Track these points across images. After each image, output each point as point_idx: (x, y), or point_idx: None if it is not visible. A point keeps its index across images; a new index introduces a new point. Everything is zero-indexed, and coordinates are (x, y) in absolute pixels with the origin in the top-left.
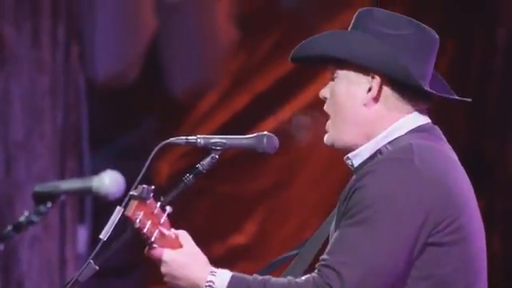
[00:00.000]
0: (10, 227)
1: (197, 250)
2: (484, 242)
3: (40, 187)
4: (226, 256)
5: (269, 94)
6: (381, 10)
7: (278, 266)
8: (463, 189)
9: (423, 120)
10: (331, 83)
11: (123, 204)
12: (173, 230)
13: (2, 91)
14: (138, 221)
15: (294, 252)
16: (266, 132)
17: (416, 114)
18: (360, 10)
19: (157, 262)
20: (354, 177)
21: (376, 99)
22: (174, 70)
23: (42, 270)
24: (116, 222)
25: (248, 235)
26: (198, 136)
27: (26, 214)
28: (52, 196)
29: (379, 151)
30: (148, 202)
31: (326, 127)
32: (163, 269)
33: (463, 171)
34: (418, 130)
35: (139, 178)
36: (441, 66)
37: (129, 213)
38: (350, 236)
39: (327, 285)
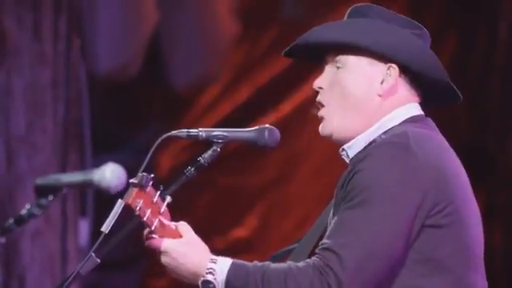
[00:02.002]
0: (11, 220)
1: (197, 238)
2: (481, 231)
3: (41, 180)
4: (227, 249)
5: (270, 88)
6: (379, 6)
7: (279, 259)
8: (459, 175)
9: (416, 111)
10: (328, 73)
11: (125, 196)
12: (172, 222)
13: (4, 84)
14: (138, 208)
15: (295, 246)
16: (267, 125)
17: (410, 104)
18: (356, 5)
19: (156, 252)
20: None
21: (392, 90)
22: (176, 63)
23: (44, 263)
24: (117, 214)
25: (249, 228)
26: (200, 129)
27: (28, 206)
28: (53, 189)
29: (374, 141)
30: (147, 189)
31: (322, 115)
32: (163, 258)
33: (458, 160)
34: (412, 120)
35: (141, 171)
36: (442, 60)
37: (128, 200)
38: (349, 218)
39: (327, 266)
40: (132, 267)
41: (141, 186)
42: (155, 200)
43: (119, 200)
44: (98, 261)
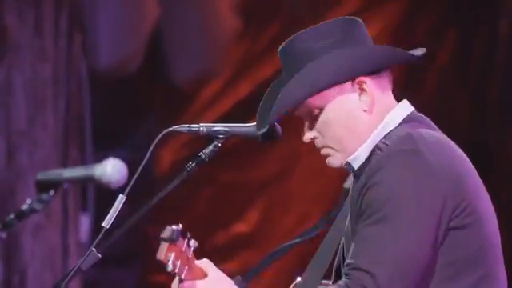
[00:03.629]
0: (12, 215)
1: (221, 275)
2: (496, 221)
3: (42, 175)
4: (228, 244)
5: (271, 83)
6: (301, 34)
7: (279, 255)
8: (470, 172)
9: (409, 109)
10: (310, 123)
11: (125, 192)
12: (196, 261)
13: (5, 80)
14: (169, 263)
15: (296, 241)
16: None
17: (401, 104)
18: (281, 47)
19: None
20: (353, 179)
21: (373, 100)
22: (177, 58)
23: (45, 257)
24: (118, 210)
25: (250, 223)
26: (201, 124)
27: (29, 202)
28: (54, 184)
29: (377, 147)
30: (177, 242)
31: (325, 154)
32: None
33: (462, 153)
34: (409, 119)
35: (142, 166)
36: (442, 57)
37: (160, 256)
38: (373, 235)
39: (361, 286)
40: (132, 263)
41: (171, 241)
42: (183, 249)
43: (120, 195)
44: (99, 256)
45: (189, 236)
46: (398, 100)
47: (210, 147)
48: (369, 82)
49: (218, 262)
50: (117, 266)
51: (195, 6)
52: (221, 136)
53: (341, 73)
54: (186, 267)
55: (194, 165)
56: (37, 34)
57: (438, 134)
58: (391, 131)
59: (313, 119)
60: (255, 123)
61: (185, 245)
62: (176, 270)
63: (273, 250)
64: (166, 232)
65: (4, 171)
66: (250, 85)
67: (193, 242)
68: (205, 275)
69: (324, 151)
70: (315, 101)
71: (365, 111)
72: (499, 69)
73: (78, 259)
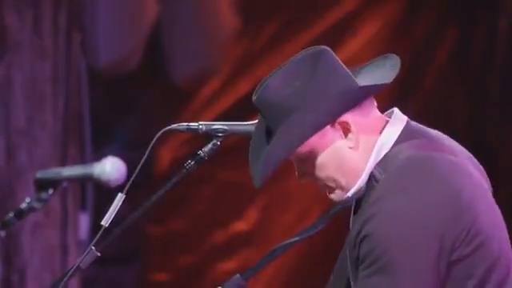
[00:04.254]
0: (11, 214)
1: None
2: (505, 229)
3: (42, 174)
4: (228, 242)
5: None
6: (270, 81)
7: (279, 253)
8: (471, 187)
9: (401, 123)
10: (301, 167)
11: (124, 190)
12: None
13: (4, 78)
14: None
15: (295, 239)
16: None
17: (391, 122)
18: (254, 97)
19: None
20: (353, 212)
21: (357, 135)
22: (176, 56)
23: (44, 256)
24: (117, 208)
25: (250, 222)
26: (200, 122)
27: (28, 200)
28: (54, 182)
29: (372, 176)
30: None
31: (328, 191)
32: None
33: (467, 156)
34: (404, 137)
35: (141, 165)
36: (442, 55)
37: None
38: (373, 286)
39: None
40: (131, 261)
41: None
42: None
43: (119, 194)
44: (98, 254)
45: None
46: (392, 105)
47: (210, 145)
48: (349, 119)
49: (217, 261)
50: (116, 265)
51: (194, 3)
52: (220, 134)
53: (318, 122)
54: None
55: (193, 163)
56: (36, 32)
57: (435, 149)
58: (387, 155)
59: (303, 164)
60: (254, 124)
61: None
62: None
63: (272, 248)
64: None
65: (3, 169)
66: (249, 83)
67: None
68: None
69: (323, 189)
70: (300, 150)
71: (351, 148)
72: (499, 68)
73: (77, 258)
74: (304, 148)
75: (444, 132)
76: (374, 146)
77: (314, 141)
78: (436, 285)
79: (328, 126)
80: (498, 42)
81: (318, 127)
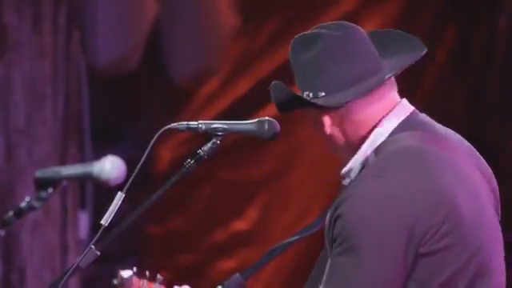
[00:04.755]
0: (11, 213)
1: None
2: (497, 233)
3: (41, 173)
4: (227, 241)
5: (270, 80)
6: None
7: (278, 252)
8: (456, 186)
9: (405, 113)
10: (309, 119)
11: (124, 189)
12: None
13: (3, 77)
14: None
15: (295, 238)
16: (267, 117)
17: (395, 110)
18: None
19: None
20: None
21: (359, 118)
22: (176, 55)
23: (44, 255)
24: (117, 207)
25: (250, 221)
26: (200, 121)
27: (27, 199)
28: (53, 182)
29: (366, 161)
30: (132, 285)
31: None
32: None
33: (473, 157)
34: (401, 128)
35: (140, 164)
36: (442, 52)
37: None
38: (339, 266)
39: None
40: (131, 260)
41: (121, 285)
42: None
43: (119, 192)
44: (98, 253)
45: (148, 274)
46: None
47: (209, 144)
48: (359, 103)
49: (217, 260)
50: (115, 264)
51: (194, 3)
52: (220, 133)
53: (327, 103)
54: None
55: (192, 162)
56: (35, 31)
57: (429, 143)
58: (382, 144)
59: (311, 121)
60: (253, 123)
61: (144, 283)
62: None
63: (272, 247)
64: (117, 279)
65: (3, 168)
66: (248, 82)
67: (159, 277)
68: None
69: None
70: (308, 110)
71: (351, 127)
72: (498, 67)
73: (76, 257)
74: (312, 110)
75: None
76: (372, 130)
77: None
78: (401, 273)
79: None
80: (497, 42)
81: (328, 104)
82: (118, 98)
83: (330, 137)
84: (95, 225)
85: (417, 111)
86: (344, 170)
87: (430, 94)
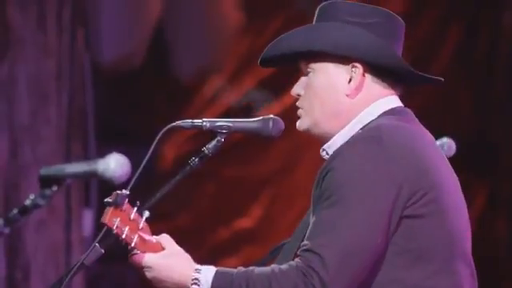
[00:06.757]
0: (15, 210)
1: (179, 249)
2: (466, 221)
3: (45, 170)
4: (231, 239)
5: (274, 78)
6: (343, 1)
7: (278, 254)
8: (438, 166)
9: (395, 103)
10: (304, 79)
11: (128, 187)
12: (154, 236)
13: (8, 75)
14: (115, 227)
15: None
16: (271, 115)
17: (388, 98)
18: (323, 3)
19: (139, 268)
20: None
21: (359, 88)
22: (180, 53)
23: (48, 253)
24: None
25: (254, 219)
26: (204, 119)
27: (32, 197)
28: (57, 179)
29: (352, 137)
30: (123, 207)
31: (299, 114)
32: (147, 274)
33: (441, 153)
34: (389, 112)
35: (145, 162)
36: (447, 50)
37: (105, 219)
38: (326, 218)
39: (309, 267)
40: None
41: (116, 205)
42: (132, 217)
43: (123, 190)
44: (102, 251)
45: (139, 205)
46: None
47: (213, 142)
48: (364, 70)
49: (221, 257)
50: (120, 262)
51: (198, 0)
52: (224, 131)
53: (340, 46)
54: (137, 236)
55: (197, 160)
56: (40, 29)
57: (412, 127)
58: (370, 122)
59: (306, 76)
60: (257, 120)
61: (133, 212)
62: (123, 237)
63: (275, 245)
64: (111, 197)
65: (7, 166)
66: (253, 80)
67: (146, 212)
68: (161, 249)
69: (299, 112)
70: (311, 60)
71: (347, 95)
72: (502, 66)
73: (81, 255)
74: (315, 61)
75: (447, 130)
76: (363, 108)
77: (326, 60)
78: (385, 231)
79: (346, 61)
80: (501, 41)
81: (335, 49)
82: (122, 96)
83: (323, 103)
84: (99, 223)
85: (406, 108)
86: (326, 144)
87: (433, 93)
